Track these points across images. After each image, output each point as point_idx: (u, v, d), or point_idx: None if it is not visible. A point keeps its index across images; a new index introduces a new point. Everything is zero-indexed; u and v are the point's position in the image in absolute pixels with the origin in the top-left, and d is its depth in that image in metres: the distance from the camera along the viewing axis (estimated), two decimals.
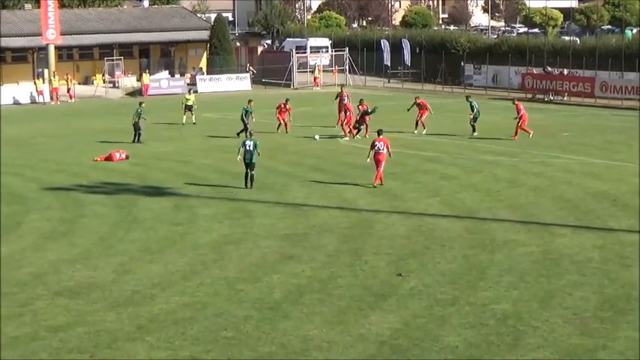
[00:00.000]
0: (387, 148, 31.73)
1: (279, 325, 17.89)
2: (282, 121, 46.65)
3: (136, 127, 44.09)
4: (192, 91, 56.32)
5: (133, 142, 43.60)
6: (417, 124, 45.67)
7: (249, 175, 32.12)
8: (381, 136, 32.19)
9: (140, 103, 45.56)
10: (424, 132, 45.29)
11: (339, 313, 18.67)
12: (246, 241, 24.78)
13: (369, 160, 32.33)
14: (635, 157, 37.22)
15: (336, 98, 48.88)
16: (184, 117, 51.84)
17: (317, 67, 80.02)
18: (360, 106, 44.02)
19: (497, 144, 41.95)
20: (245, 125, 43.56)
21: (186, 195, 31.32)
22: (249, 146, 31.98)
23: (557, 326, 17.64)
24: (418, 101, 46.31)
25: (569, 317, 18.14)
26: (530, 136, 42.88)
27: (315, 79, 79.25)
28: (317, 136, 44.08)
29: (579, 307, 18.81)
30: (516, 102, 44.47)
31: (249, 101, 45.84)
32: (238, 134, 43.50)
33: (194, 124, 51.29)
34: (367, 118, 43.25)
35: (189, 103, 52.26)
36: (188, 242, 24.86)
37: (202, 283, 20.86)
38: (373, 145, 31.91)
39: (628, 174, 33.79)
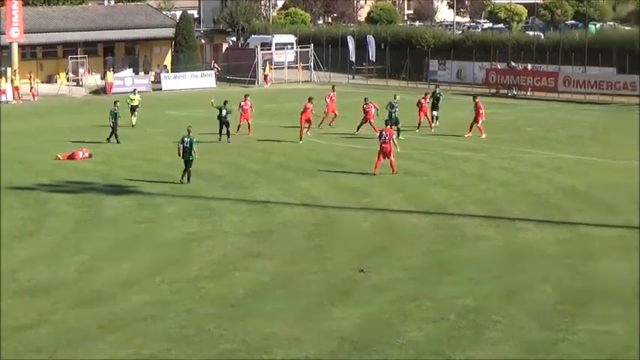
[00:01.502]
0: (392, 138, 33.49)
1: (240, 323, 17.85)
2: (247, 121, 44.48)
3: (114, 127, 43.10)
4: (136, 91, 53.49)
5: (108, 140, 42.93)
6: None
7: (186, 170, 32.45)
8: (387, 127, 34.55)
9: (115, 102, 44.52)
10: (483, 136, 42.48)
11: (303, 309, 18.68)
12: (210, 239, 24.71)
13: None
14: (601, 152, 37.51)
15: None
16: (133, 119, 49.50)
17: (268, 65, 79.52)
18: (365, 106, 42.99)
19: (464, 140, 41.99)
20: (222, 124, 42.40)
21: (150, 193, 31.18)
22: (187, 143, 32.11)
23: (518, 320, 17.74)
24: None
25: (530, 311, 18.26)
26: (482, 136, 41.89)
27: (265, 76, 78.43)
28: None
29: (540, 301, 18.94)
30: (477, 99, 43.31)
31: (225, 102, 43.57)
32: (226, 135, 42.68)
33: (133, 126, 48.81)
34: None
35: (135, 103, 50.15)
36: (152, 240, 24.76)
37: (164, 282, 20.79)
38: (380, 135, 33.56)
39: (596, 168, 34.08)
